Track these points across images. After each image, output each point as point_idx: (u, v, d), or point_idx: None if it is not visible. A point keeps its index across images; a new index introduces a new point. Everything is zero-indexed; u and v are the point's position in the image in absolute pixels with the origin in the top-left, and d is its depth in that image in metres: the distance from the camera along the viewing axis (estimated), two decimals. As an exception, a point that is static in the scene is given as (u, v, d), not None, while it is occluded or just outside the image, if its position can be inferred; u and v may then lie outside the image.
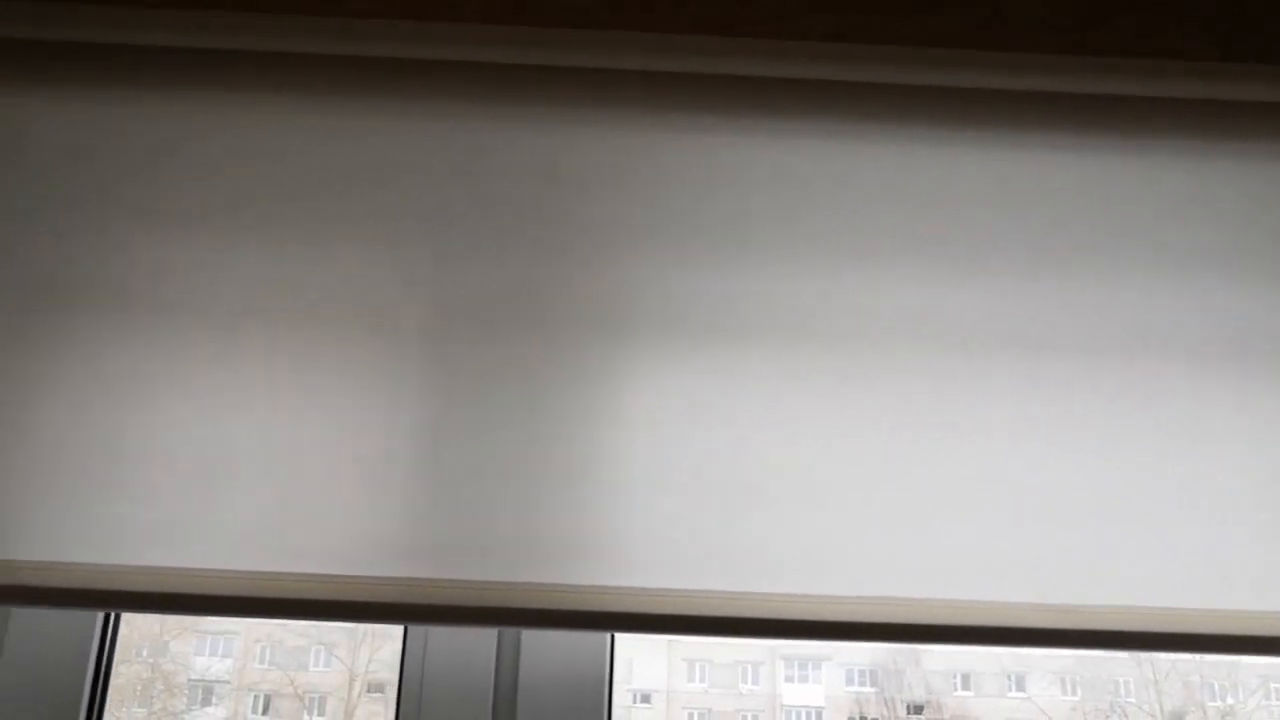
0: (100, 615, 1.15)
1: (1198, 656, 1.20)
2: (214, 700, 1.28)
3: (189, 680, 1.27)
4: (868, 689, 1.26)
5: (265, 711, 1.31)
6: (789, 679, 1.27)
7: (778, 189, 1.09)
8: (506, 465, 1.00)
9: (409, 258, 1.05)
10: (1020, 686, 1.24)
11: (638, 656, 1.22)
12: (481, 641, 1.13)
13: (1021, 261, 1.08)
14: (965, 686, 1.25)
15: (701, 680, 1.27)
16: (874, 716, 1.24)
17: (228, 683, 1.30)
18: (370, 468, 0.99)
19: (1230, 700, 1.19)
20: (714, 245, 1.07)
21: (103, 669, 1.15)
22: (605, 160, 1.09)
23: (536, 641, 1.12)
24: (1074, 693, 1.22)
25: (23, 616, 1.14)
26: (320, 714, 1.30)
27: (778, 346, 1.04)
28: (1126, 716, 1.20)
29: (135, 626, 1.25)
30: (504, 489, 0.99)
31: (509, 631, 1.13)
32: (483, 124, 1.10)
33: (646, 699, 1.23)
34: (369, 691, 1.30)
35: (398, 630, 1.37)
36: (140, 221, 1.05)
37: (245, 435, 1.00)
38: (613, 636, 1.14)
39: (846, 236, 1.08)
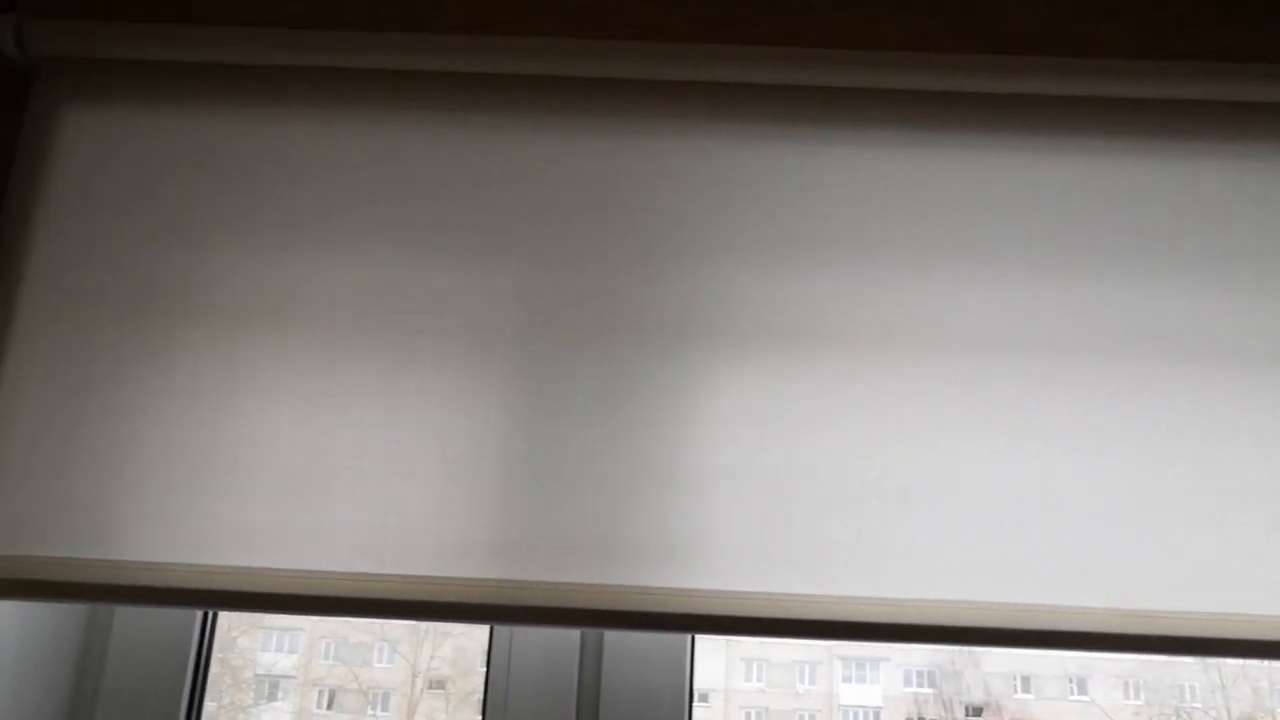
0: (199, 613, 1.20)
1: (1267, 662, 1.18)
2: (280, 695, 1.31)
3: (255, 675, 1.30)
4: (926, 690, 1.25)
5: (330, 706, 1.34)
6: (846, 679, 1.27)
7: (858, 196, 1.09)
8: (592, 469, 1.01)
9: (498, 266, 1.07)
10: (1082, 689, 1.23)
11: (695, 656, 1.23)
12: (565, 642, 1.15)
13: (1101, 267, 1.07)
14: (1025, 689, 1.24)
15: (759, 679, 1.27)
16: (932, 718, 1.23)
17: (293, 678, 1.33)
18: (460, 471, 1.02)
19: (1299, 705, 1.17)
20: (795, 252, 1.08)
21: (201, 665, 1.21)
22: (688, 169, 1.10)
23: (619, 642, 1.14)
24: (1137, 696, 1.21)
25: (126, 615, 1.19)
26: (383, 709, 1.32)
27: (858, 351, 1.05)
28: (1191, 721, 1.18)
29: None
30: (589, 492, 1.01)
31: (591, 632, 1.16)
32: (568, 135, 1.11)
33: (704, 698, 1.24)
34: (430, 688, 1.32)
35: (459, 628, 1.39)
36: (242, 235, 1.09)
37: (341, 440, 1.03)
38: (693, 638, 1.16)
39: (924, 243, 1.08)
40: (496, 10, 1.18)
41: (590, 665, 1.14)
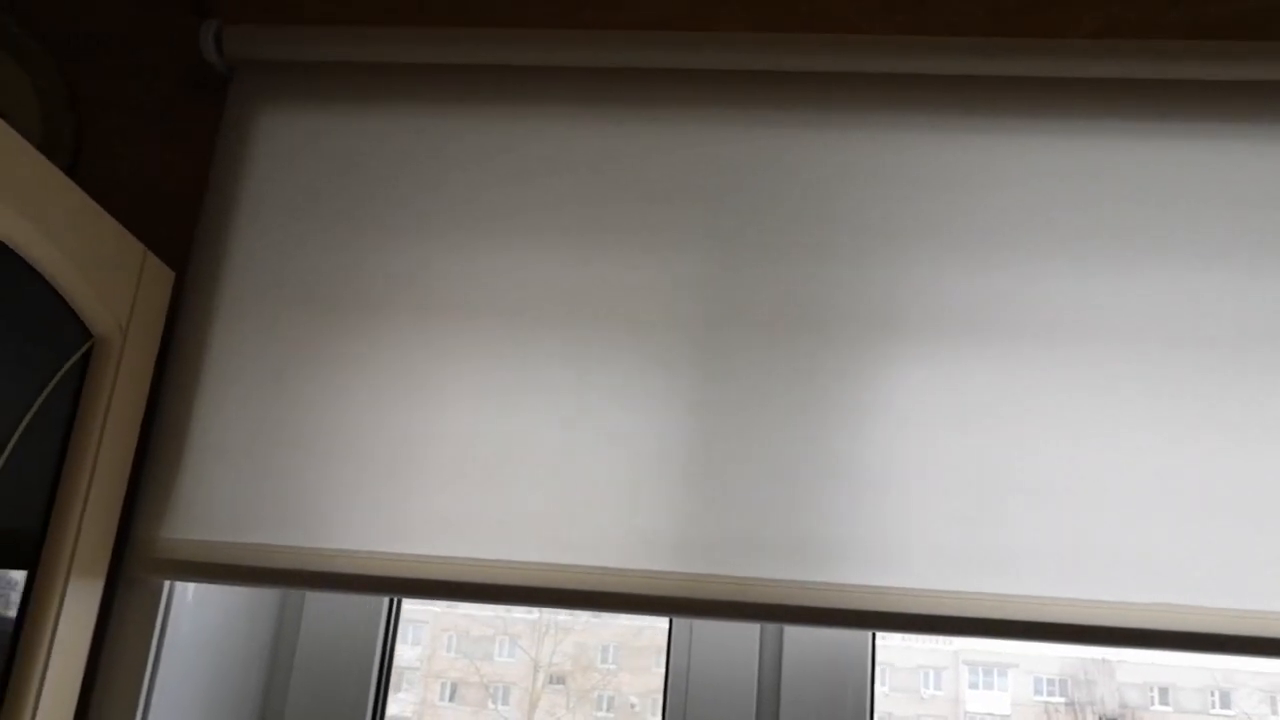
0: (386, 600, 1.24)
1: None
2: (404, 686, 1.34)
3: (379, 666, 1.34)
4: (1057, 699, 1.22)
5: (451, 699, 1.36)
6: (973, 685, 1.24)
7: (1045, 187, 1.07)
8: (776, 464, 1.01)
9: (685, 261, 1.08)
10: (1225, 703, 1.18)
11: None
12: (744, 638, 1.16)
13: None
14: (1163, 700, 1.19)
15: (882, 684, 1.25)
16: (1063, 728, 1.20)
17: (417, 669, 1.36)
18: (646, 465, 1.02)
19: None
20: (982, 245, 1.05)
21: (389, 650, 1.25)
22: (875, 162, 1.09)
23: (799, 638, 1.14)
24: (1287, 711, 1.15)
25: (315, 602, 1.24)
26: (504, 703, 1.34)
27: (1048, 345, 1.02)
28: (1345, 739, 1.12)
29: (334, 613, 1.32)
30: (773, 487, 1.00)
31: (771, 628, 1.16)
32: (753, 130, 1.11)
33: (826, 700, 1.23)
34: (551, 683, 1.34)
35: (580, 623, 1.40)
36: (432, 232, 1.11)
37: (529, 433, 1.04)
38: (874, 636, 1.15)
39: (1114, 234, 1.05)
40: (683, 6, 1.19)
41: (770, 661, 1.14)
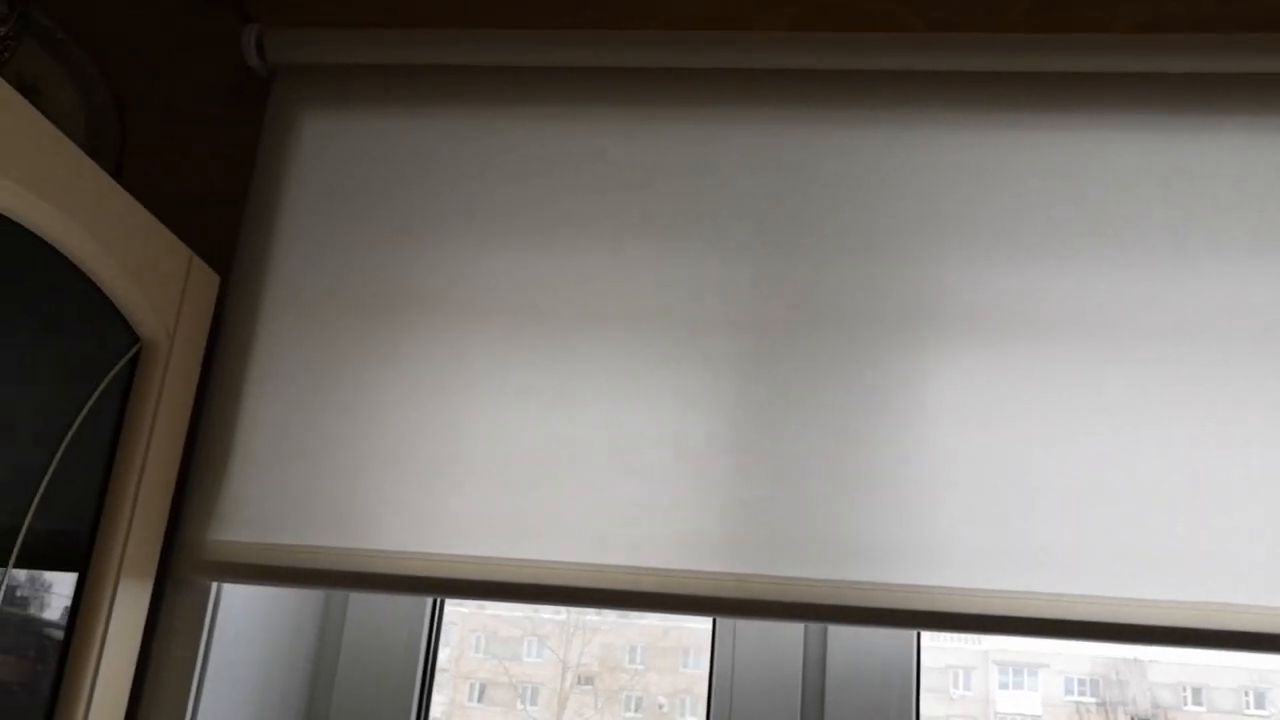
0: (429, 601, 1.25)
1: None
2: (434, 687, 1.34)
3: (408, 669, 1.34)
4: (1088, 699, 1.22)
5: (480, 699, 1.36)
6: (1003, 685, 1.24)
7: (1084, 182, 1.06)
8: (820, 463, 1.01)
9: (731, 261, 1.08)
10: (1260, 704, 1.17)
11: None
12: (788, 639, 1.15)
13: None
14: (1196, 701, 1.19)
15: (912, 683, 1.26)
16: (1095, 729, 1.20)
17: (445, 670, 1.36)
18: (689, 465, 1.02)
19: None
20: (1021, 241, 1.05)
21: (432, 652, 1.25)
22: (912, 160, 1.09)
23: (843, 638, 1.14)
24: (1322, 710, 1.15)
25: (360, 601, 1.25)
26: (532, 704, 1.34)
27: (1087, 342, 1.01)
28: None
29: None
30: (817, 486, 1.00)
31: (815, 628, 1.15)
32: (806, 128, 1.11)
33: (856, 700, 1.23)
34: (579, 683, 1.34)
35: (607, 624, 1.40)
36: (474, 233, 1.12)
37: (571, 433, 1.04)
38: (919, 635, 1.14)
39: (1158, 228, 1.04)
40: (720, 5, 1.20)
41: (814, 661, 1.14)
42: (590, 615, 1.36)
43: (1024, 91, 1.10)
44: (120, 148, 1.21)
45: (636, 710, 1.31)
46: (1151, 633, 0.93)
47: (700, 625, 1.33)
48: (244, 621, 1.11)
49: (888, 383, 1.02)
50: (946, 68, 1.10)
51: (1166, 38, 1.07)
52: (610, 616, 1.36)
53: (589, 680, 1.35)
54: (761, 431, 1.02)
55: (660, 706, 1.31)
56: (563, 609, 1.36)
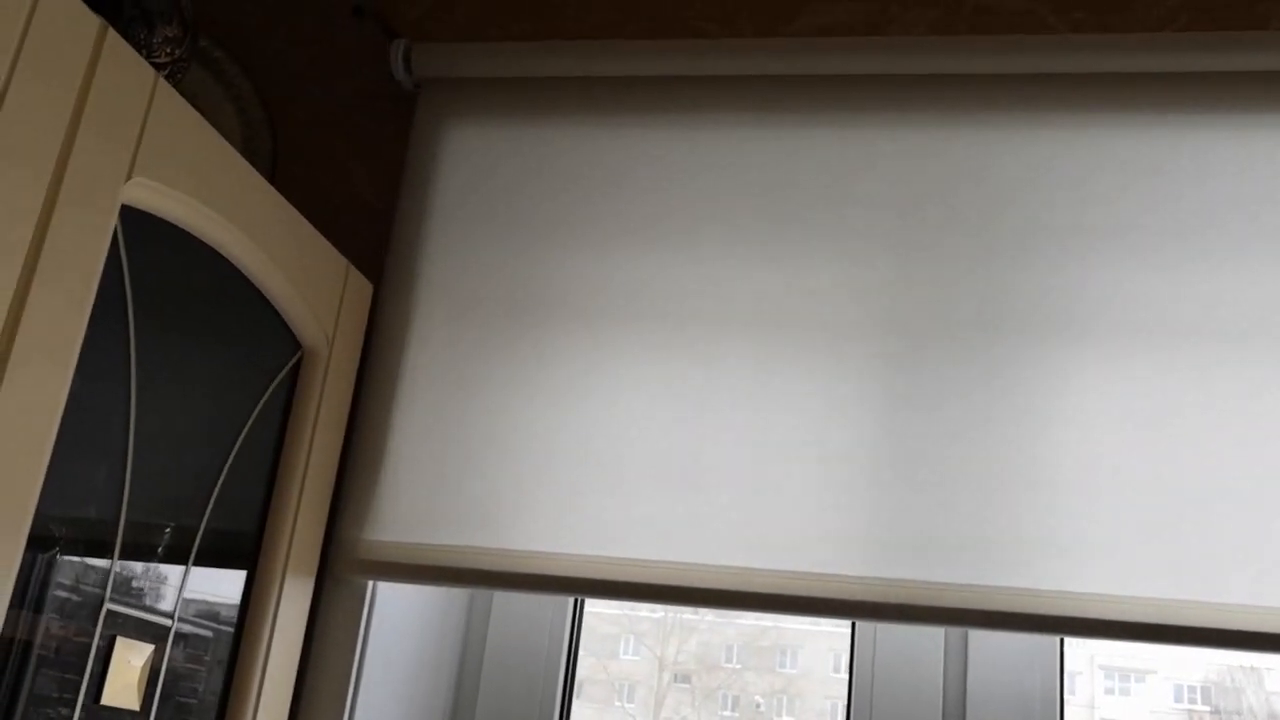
0: (570, 602, 1.26)
1: None
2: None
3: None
4: (1200, 706, 1.17)
5: (578, 696, 1.38)
6: (1109, 691, 1.21)
7: (1232, 182, 1.05)
8: (963, 468, 1.00)
9: (868, 265, 1.08)
10: (1385, 711, 1.12)
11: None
12: (928, 644, 1.14)
13: None
14: (1316, 709, 1.14)
15: (1013, 685, 1.23)
16: (1208, 740, 1.15)
17: (545, 668, 1.38)
18: (833, 469, 1.02)
19: None
20: (1167, 245, 1.04)
21: (573, 653, 1.27)
22: (1056, 164, 1.08)
23: (985, 644, 1.12)
24: None
25: (503, 602, 1.26)
26: (629, 701, 1.35)
27: (1238, 346, 1.00)
28: None
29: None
30: (960, 491, 1.00)
31: (955, 634, 1.14)
32: (938, 132, 1.11)
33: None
34: (676, 681, 1.34)
35: (705, 622, 1.41)
36: (615, 239, 1.13)
37: (717, 436, 1.05)
38: (1062, 641, 1.12)
39: None
40: (861, 13, 1.20)
41: (955, 665, 1.12)
42: (687, 614, 1.37)
43: (1172, 93, 1.08)
44: (273, 161, 1.29)
45: (733, 709, 1.31)
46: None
47: (798, 625, 1.33)
48: (397, 619, 1.13)
49: (1032, 387, 1.01)
50: (1094, 69, 1.09)
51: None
52: (708, 615, 1.37)
53: (686, 678, 1.34)
54: (906, 437, 1.02)
55: (757, 706, 1.30)
56: (659, 607, 1.37)
